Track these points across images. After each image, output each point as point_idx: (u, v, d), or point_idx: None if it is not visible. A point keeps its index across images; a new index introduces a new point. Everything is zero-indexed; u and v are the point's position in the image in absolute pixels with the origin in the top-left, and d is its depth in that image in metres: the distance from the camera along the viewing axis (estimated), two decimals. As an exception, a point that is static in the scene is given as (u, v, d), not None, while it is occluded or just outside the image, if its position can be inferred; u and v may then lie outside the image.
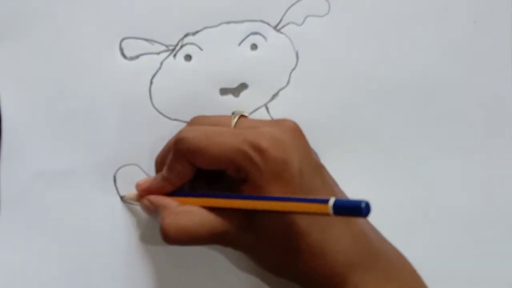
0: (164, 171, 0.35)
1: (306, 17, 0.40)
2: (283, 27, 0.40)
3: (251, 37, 0.40)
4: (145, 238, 0.39)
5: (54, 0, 0.39)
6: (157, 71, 0.39)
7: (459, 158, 0.41)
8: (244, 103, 0.40)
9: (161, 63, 0.39)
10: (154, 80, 0.39)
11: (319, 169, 0.34)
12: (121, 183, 0.39)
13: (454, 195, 0.40)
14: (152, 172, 0.39)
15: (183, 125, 0.39)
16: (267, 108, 0.40)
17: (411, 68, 0.41)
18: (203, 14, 0.39)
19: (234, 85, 0.40)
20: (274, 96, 0.40)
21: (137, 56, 0.39)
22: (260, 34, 0.40)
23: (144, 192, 0.36)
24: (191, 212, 0.33)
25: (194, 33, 0.39)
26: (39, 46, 0.39)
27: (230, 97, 0.40)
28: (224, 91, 0.40)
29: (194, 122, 0.37)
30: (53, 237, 0.38)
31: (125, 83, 0.39)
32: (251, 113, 0.40)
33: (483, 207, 0.41)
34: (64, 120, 0.39)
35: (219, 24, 0.40)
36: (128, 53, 0.39)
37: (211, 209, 0.33)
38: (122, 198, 0.39)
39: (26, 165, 0.38)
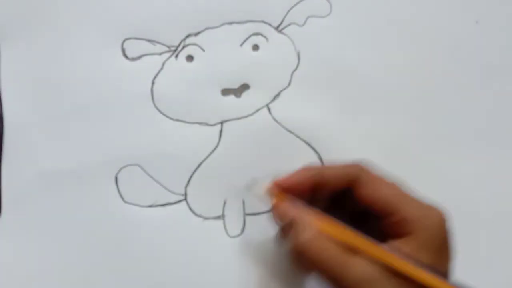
0: (318, 173, 0.34)
1: (307, 18, 0.40)
2: (284, 27, 0.40)
3: (253, 37, 0.40)
4: (146, 239, 0.39)
5: (56, 1, 0.39)
6: (159, 72, 0.39)
7: (460, 157, 0.41)
8: (246, 104, 0.40)
9: (163, 64, 0.39)
10: (156, 81, 0.39)
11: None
12: (123, 184, 0.39)
13: (454, 195, 0.40)
14: (154, 173, 0.39)
15: (185, 125, 0.39)
16: (268, 109, 0.40)
17: (412, 68, 0.41)
18: (205, 14, 0.40)
19: (236, 85, 0.40)
20: (276, 96, 0.40)
21: (139, 57, 0.39)
22: (262, 35, 0.40)
23: (282, 184, 0.35)
24: (330, 244, 0.31)
25: (196, 34, 0.40)
26: (41, 47, 0.39)
27: (231, 97, 0.40)
28: (225, 92, 0.40)
29: (364, 167, 0.34)
30: (54, 237, 0.38)
31: (127, 83, 0.39)
32: (252, 113, 0.40)
33: (484, 207, 0.40)
34: (66, 121, 0.39)
35: (221, 25, 0.40)
36: (130, 54, 0.39)
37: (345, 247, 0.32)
38: (252, 180, 0.36)
39: (28, 165, 0.39)
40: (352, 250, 0.31)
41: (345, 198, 0.34)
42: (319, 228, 0.32)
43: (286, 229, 0.34)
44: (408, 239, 0.31)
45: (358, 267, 0.31)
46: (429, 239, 0.31)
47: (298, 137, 0.40)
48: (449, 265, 0.32)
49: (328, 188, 0.34)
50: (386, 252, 0.31)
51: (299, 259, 0.33)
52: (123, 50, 0.39)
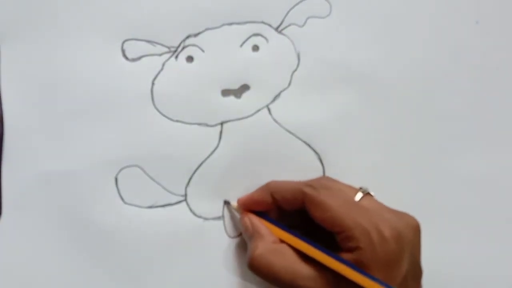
0: (275, 191, 0.37)
1: (307, 18, 0.40)
2: (284, 28, 0.40)
3: (253, 38, 0.40)
4: (146, 240, 0.39)
5: (56, 2, 0.39)
6: (158, 73, 0.39)
7: (461, 157, 0.41)
8: (246, 104, 0.40)
9: (163, 65, 0.39)
10: (156, 82, 0.39)
11: (419, 276, 0.35)
12: (122, 185, 0.39)
13: (455, 194, 0.40)
14: (154, 174, 0.39)
15: (184, 126, 0.39)
16: (268, 109, 0.40)
17: (412, 68, 0.41)
18: (205, 15, 0.39)
19: (236, 86, 0.40)
20: (276, 97, 0.40)
21: (139, 58, 0.39)
22: (262, 36, 0.40)
23: (243, 205, 0.38)
24: (283, 255, 0.34)
25: (196, 35, 0.40)
26: (41, 48, 0.39)
27: (232, 98, 0.40)
28: (226, 93, 0.40)
29: (323, 183, 0.36)
30: (54, 237, 0.38)
31: (127, 84, 0.39)
32: (252, 114, 0.40)
33: (484, 206, 0.40)
34: (66, 122, 0.39)
35: (221, 26, 0.40)
36: (130, 55, 0.39)
37: (301, 254, 0.34)
38: (225, 202, 0.39)
39: (28, 166, 0.39)
40: (308, 261, 0.34)
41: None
42: (272, 241, 0.35)
43: (249, 241, 0.37)
44: (355, 254, 0.32)
45: (309, 277, 0.33)
46: (373, 254, 0.32)
47: (298, 137, 0.40)
48: (400, 279, 0.32)
49: (285, 207, 0.36)
50: (332, 259, 0.33)
51: (254, 273, 0.35)
52: (123, 51, 0.39)
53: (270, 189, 0.37)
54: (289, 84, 0.40)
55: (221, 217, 0.39)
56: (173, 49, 0.39)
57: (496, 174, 0.41)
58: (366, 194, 0.35)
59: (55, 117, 0.39)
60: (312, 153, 0.40)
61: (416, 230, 0.34)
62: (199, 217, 0.39)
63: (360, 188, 0.36)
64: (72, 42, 0.39)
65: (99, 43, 0.39)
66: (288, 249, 0.35)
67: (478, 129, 0.41)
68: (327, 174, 0.40)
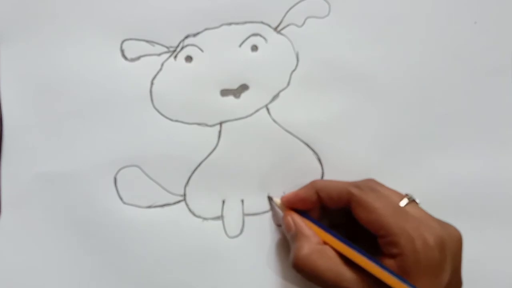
0: (321, 189, 0.37)
1: (306, 19, 0.40)
2: (283, 28, 0.40)
3: (252, 38, 0.40)
4: (145, 240, 0.39)
5: (55, 1, 0.39)
6: (158, 73, 0.39)
7: (461, 157, 0.41)
8: (245, 104, 0.40)
9: (162, 65, 0.39)
10: (155, 81, 0.39)
11: (459, 287, 0.35)
12: (121, 185, 0.39)
13: (455, 194, 0.40)
14: (153, 173, 0.39)
15: (184, 126, 0.39)
16: (267, 109, 0.40)
17: (411, 68, 0.41)
18: (204, 15, 0.39)
19: (235, 86, 0.40)
20: (275, 97, 0.40)
21: (138, 58, 0.39)
22: (261, 36, 0.40)
23: (287, 201, 0.38)
24: (328, 256, 0.34)
25: (195, 35, 0.40)
26: (40, 48, 0.39)
27: (231, 98, 0.40)
28: (225, 92, 0.40)
29: (369, 185, 0.36)
30: (53, 237, 0.38)
31: (126, 84, 0.39)
32: (251, 114, 0.40)
33: (485, 207, 0.40)
34: (65, 121, 0.39)
35: (220, 26, 0.40)
36: (129, 55, 0.39)
37: (343, 257, 0.34)
38: (269, 198, 0.39)
39: (27, 166, 0.39)
40: (349, 263, 0.34)
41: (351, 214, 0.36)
42: (316, 242, 0.35)
43: (290, 241, 0.37)
44: (397, 260, 0.32)
45: (351, 280, 0.33)
46: (417, 262, 0.32)
47: (297, 137, 0.40)
48: None
49: (330, 206, 0.36)
50: (374, 265, 0.33)
51: (298, 272, 0.35)
52: (122, 51, 0.39)
53: (315, 187, 0.37)
54: (288, 84, 0.40)
55: (220, 217, 0.39)
56: (172, 49, 0.39)
57: (496, 174, 0.41)
58: (412, 201, 0.35)
59: (54, 117, 0.39)
60: (311, 153, 0.40)
61: (459, 240, 0.34)
62: (198, 217, 0.39)
63: (406, 195, 0.35)
64: (71, 42, 0.39)
65: (98, 43, 0.39)
66: (331, 251, 0.35)
67: (477, 129, 0.41)
68: (326, 174, 0.40)
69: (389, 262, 0.33)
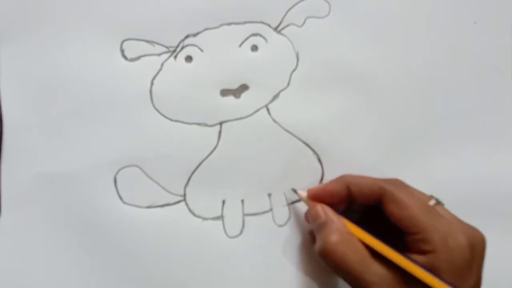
0: (352, 183, 0.36)
1: (306, 19, 0.40)
2: (283, 28, 0.40)
3: (252, 38, 0.40)
4: (145, 240, 0.38)
5: (55, 1, 0.39)
6: (158, 72, 0.39)
7: (461, 157, 0.41)
8: (245, 104, 0.40)
9: (162, 64, 0.39)
10: (155, 81, 0.39)
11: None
12: (121, 185, 0.39)
13: (455, 194, 0.40)
14: (153, 173, 0.39)
15: (184, 126, 0.39)
16: (267, 109, 0.40)
17: (411, 68, 0.41)
18: (204, 15, 0.39)
19: (235, 86, 0.40)
20: (275, 97, 0.40)
21: (138, 58, 0.39)
22: (261, 35, 0.40)
23: (314, 195, 0.37)
24: (356, 247, 0.34)
25: (195, 35, 0.40)
26: (40, 48, 0.39)
27: (231, 98, 0.40)
28: (224, 92, 0.40)
29: (398, 183, 0.36)
30: (53, 237, 0.38)
31: (126, 84, 0.39)
32: (251, 114, 0.40)
33: (486, 206, 0.40)
34: (65, 121, 0.39)
35: (220, 26, 0.40)
36: (129, 55, 0.39)
37: (371, 251, 0.34)
38: (293, 190, 0.39)
39: (27, 166, 0.39)
40: (375, 257, 0.34)
41: (378, 210, 0.36)
42: (345, 232, 0.35)
43: (316, 231, 0.36)
44: (428, 257, 0.33)
45: (377, 272, 0.33)
46: (449, 261, 0.32)
47: (297, 137, 0.40)
48: None
49: (359, 201, 0.36)
50: (405, 259, 0.33)
51: (325, 259, 0.34)
52: (122, 51, 0.39)
53: (346, 181, 0.37)
54: (288, 84, 0.40)
55: (220, 217, 0.39)
56: (172, 49, 0.39)
57: (496, 173, 0.41)
58: (438, 203, 0.35)
59: (54, 117, 0.39)
60: (311, 153, 0.40)
61: (484, 244, 0.34)
62: (198, 217, 0.39)
63: (432, 196, 0.36)
64: (71, 41, 0.39)
65: (98, 43, 0.39)
66: (359, 243, 0.34)
67: (477, 130, 0.41)
68: (326, 174, 0.40)
69: (419, 258, 0.33)
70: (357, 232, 0.35)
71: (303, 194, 0.38)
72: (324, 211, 0.36)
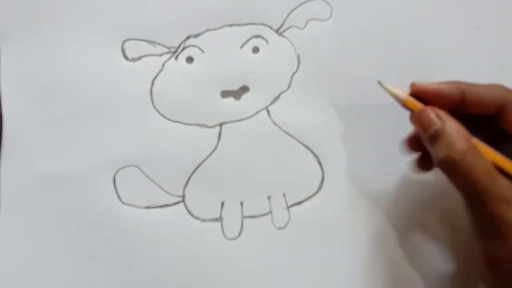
0: (469, 90, 0.32)
1: (308, 21, 0.40)
2: (285, 30, 0.40)
3: (253, 40, 0.40)
4: (143, 240, 0.38)
5: (56, 2, 0.39)
6: (158, 73, 0.39)
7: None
8: (245, 106, 0.40)
9: (163, 65, 0.39)
10: (156, 82, 0.39)
11: None
12: (120, 185, 0.39)
13: (454, 194, 0.40)
14: (152, 174, 0.39)
15: (183, 127, 0.39)
16: (268, 111, 0.40)
17: (413, 72, 0.41)
18: (205, 16, 0.40)
19: (235, 87, 0.40)
20: (275, 99, 0.40)
21: (139, 58, 0.39)
22: (262, 37, 0.40)
23: (420, 92, 0.33)
24: (482, 156, 0.31)
25: (196, 36, 0.40)
26: (41, 48, 0.39)
27: (231, 99, 0.40)
28: (225, 94, 0.40)
29: None
30: (52, 237, 0.38)
31: (127, 84, 0.39)
32: (252, 115, 0.40)
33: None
34: (65, 121, 0.39)
35: (221, 27, 0.40)
36: (130, 55, 0.39)
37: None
38: (379, 82, 0.35)
39: (27, 165, 0.39)
40: (498, 170, 0.31)
41: (484, 121, 0.33)
42: (469, 138, 0.31)
43: (432, 138, 0.32)
44: None
45: (504, 185, 0.30)
46: None
47: (297, 140, 0.40)
48: None
49: (474, 111, 0.33)
50: None
51: (449, 169, 0.31)
52: (123, 51, 0.39)
53: (461, 88, 0.32)
54: (289, 86, 0.40)
55: (219, 219, 0.39)
56: (173, 50, 0.40)
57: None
58: None
59: (54, 117, 0.39)
60: (311, 155, 0.40)
61: None
62: (197, 218, 0.39)
63: None
64: (72, 41, 0.39)
65: (99, 43, 0.39)
66: (484, 156, 0.31)
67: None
68: (326, 177, 0.40)
69: None
70: (478, 145, 0.32)
71: (401, 92, 0.33)
72: (439, 116, 0.32)
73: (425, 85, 0.33)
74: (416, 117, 0.33)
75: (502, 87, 0.33)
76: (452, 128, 0.31)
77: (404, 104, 0.34)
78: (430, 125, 0.32)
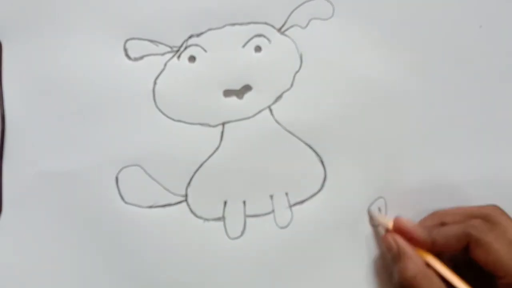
0: (438, 233, 0.36)
1: (310, 20, 0.40)
2: (287, 29, 0.40)
3: (255, 39, 0.40)
4: (146, 240, 0.38)
5: (59, 1, 0.39)
6: (161, 72, 0.39)
7: (461, 160, 0.40)
8: (248, 105, 0.40)
9: (165, 64, 0.39)
10: (158, 81, 0.39)
11: None
12: (123, 185, 0.39)
13: (455, 195, 0.40)
14: (155, 173, 0.39)
15: (186, 126, 0.39)
16: (270, 110, 0.40)
17: (415, 71, 0.41)
18: (208, 15, 0.40)
19: (238, 87, 0.40)
20: (278, 98, 0.40)
21: (141, 57, 0.39)
22: (264, 36, 0.40)
23: (398, 229, 0.37)
24: (432, 281, 0.34)
25: (198, 35, 0.40)
26: (43, 47, 0.39)
27: (233, 98, 0.40)
28: (227, 93, 0.40)
29: (491, 217, 0.36)
30: (54, 236, 0.38)
31: (129, 84, 0.39)
32: (254, 115, 0.39)
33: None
34: (68, 121, 0.39)
35: (224, 26, 0.40)
36: (132, 54, 0.39)
37: (446, 283, 0.34)
38: (369, 211, 0.39)
39: (29, 164, 0.38)
40: None
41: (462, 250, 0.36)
42: (421, 265, 0.35)
43: (393, 260, 0.36)
44: None
45: None
46: None
47: (300, 139, 0.40)
48: None
49: (446, 252, 0.36)
50: None
51: None
52: (125, 50, 0.39)
53: (433, 235, 0.36)
54: (291, 85, 0.40)
55: (222, 218, 0.39)
56: (175, 49, 0.39)
57: (498, 177, 0.41)
58: None
59: (56, 116, 0.39)
60: (314, 155, 0.40)
61: None
62: (200, 217, 0.39)
63: None
64: (74, 40, 0.39)
65: (101, 42, 0.39)
66: (435, 275, 0.34)
67: (482, 134, 0.41)
68: (329, 177, 0.40)
69: None
70: (433, 263, 0.35)
71: (384, 220, 0.38)
72: (397, 243, 0.36)
73: (402, 225, 0.37)
74: (383, 239, 0.38)
75: (466, 217, 0.36)
76: (405, 255, 0.35)
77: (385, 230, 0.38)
78: (389, 249, 0.37)
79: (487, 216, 0.35)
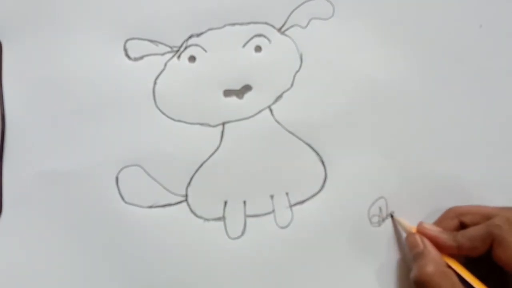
0: (462, 237, 0.36)
1: (310, 20, 0.40)
2: (287, 29, 0.40)
3: (256, 39, 0.40)
4: (146, 239, 0.38)
5: (59, 1, 0.39)
6: (161, 72, 0.39)
7: (461, 160, 0.40)
8: (248, 105, 0.40)
9: (165, 64, 0.39)
10: (158, 81, 0.39)
11: None
12: (123, 184, 0.39)
13: (456, 195, 0.40)
14: (155, 173, 0.39)
15: (186, 126, 0.39)
16: (270, 110, 0.40)
17: (415, 71, 0.41)
18: (208, 15, 0.40)
19: (238, 86, 0.40)
20: (278, 98, 0.40)
21: (141, 57, 0.39)
22: (265, 36, 0.40)
23: (423, 235, 0.37)
24: (451, 281, 0.34)
25: (198, 35, 0.40)
26: (43, 47, 0.39)
27: (234, 98, 0.40)
28: (228, 93, 0.40)
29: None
30: (54, 236, 0.38)
31: (129, 83, 0.39)
32: (254, 114, 0.39)
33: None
34: (68, 121, 0.39)
35: (224, 26, 0.40)
36: (132, 54, 0.39)
37: (466, 285, 0.34)
38: (392, 215, 0.39)
39: (29, 164, 0.39)
40: None
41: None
42: (442, 264, 0.35)
43: (415, 257, 0.37)
44: None
45: None
46: None
47: (300, 139, 0.40)
48: None
49: (470, 254, 0.36)
50: None
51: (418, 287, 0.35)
52: (126, 50, 0.39)
53: (458, 239, 0.36)
54: (292, 85, 0.40)
55: (222, 218, 0.39)
56: (175, 49, 0.39)
57: (498, 177, 0.41)
58: None
59: (56, 116, 0.39)
60: (314, 154, 0.40)
61: None
62: (200, 217, 0.39)
63: None
64: (74, 40, 0.39)
65: (101, 42, 0.39)
66: (455, 276, 0.35)
67: (482, 133, 0.41)
68: (329, 177, 0.40)
69: None
70: (454, 265, 0.35)
71: (408, 225, 0.38)
72: (423, 241, 0.37)
73: (427, 230, 0.37)
74: (406, 239, 0.39)
75: (490, 225, 0.35)
76: (428, 253, 0.36)
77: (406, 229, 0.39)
78: (413, 247, 0.37)
79: (509, 215, 0.35)
